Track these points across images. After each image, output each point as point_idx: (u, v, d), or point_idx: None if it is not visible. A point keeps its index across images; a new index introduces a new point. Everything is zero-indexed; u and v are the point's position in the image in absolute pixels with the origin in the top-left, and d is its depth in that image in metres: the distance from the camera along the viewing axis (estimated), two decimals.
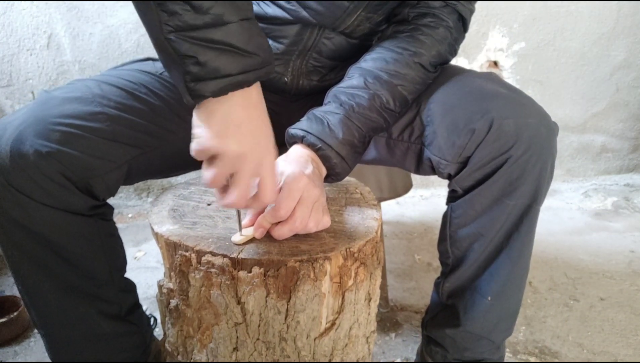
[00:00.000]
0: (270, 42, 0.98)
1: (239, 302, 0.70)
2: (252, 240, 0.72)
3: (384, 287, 1.48)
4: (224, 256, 0.68)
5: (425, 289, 1.63)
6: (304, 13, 0.93)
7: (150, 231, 1.99)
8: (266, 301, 0.69)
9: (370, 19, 0.97)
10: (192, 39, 0.62)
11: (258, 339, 0.73)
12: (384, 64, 0.91)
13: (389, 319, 1.48)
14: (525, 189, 0.87)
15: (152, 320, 1.13)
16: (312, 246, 0.71)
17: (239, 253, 0.68)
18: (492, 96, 0.88)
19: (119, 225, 2.01)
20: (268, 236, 0.73)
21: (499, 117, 0.83)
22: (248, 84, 0.66)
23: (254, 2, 0.97)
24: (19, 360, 1.32)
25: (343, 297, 0.74)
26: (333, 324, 0.75)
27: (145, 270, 1.75)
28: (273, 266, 0.68)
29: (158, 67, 1.02)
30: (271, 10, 0.95)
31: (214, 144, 0.65)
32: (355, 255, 0.73)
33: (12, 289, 1.59)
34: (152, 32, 0.65)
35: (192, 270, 0.70)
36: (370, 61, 0.93)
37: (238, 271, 0.68)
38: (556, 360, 1.31)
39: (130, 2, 0.79)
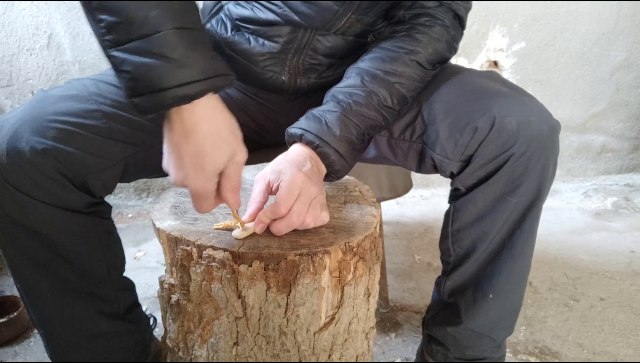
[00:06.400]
0: (266, 42, 0.99)
1: (239, 296, 0.70)
2: (252, 235, 0.73)
3: (384, 287, 1.48)
4: (225, 250, 0.68)
5: (425, 289, 1.63)
6: (295, 17, 0.94)
7: (150, 232, 2.00)
8: (266, 295, 0.69)
9: (361, 20, 0.98)
10: (126, 52, 0.61)
11: (258, 333, 0.73)
12: (380, 62, 0.92)
13: (389, 319, 1.47)
14: (528, 186, 0.87)
15: (151, 319, 1.13)
16: (312, 241, 0.71)
17: (240, 247, 0.68)
18: (493, 94, 0.89)
19: (119, 225, 2.02)
20: (268, 231, 0.74)
21: (501, 115, 0.84)
22: (190, 98, 0.62)
23: (249, 6, 0.97)
24: (19, 360, 1.32)
25: (342, 292, 0.74)
26: (332, 319, 0.75)
27: (145, 270, 1.75)
28: (273, 260, 0.68)
29: None
30: (264, 14, 0.96)
31: (236, 145, 0.68)
32: (354, 249, 0.73)
33: (12, 289, 1.59)
34: (101, 49, 0.63)
35: (193, 264, 0.71)
36: (367, 61, 0.93)
37: (239, 265, 0.68)
38: (556, 360, 1.31)
39: None
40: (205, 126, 0.64)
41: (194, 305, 0.74)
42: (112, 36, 0.61)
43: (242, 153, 0.69)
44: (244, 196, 0.85)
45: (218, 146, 0.65)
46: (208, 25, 1.02)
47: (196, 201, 0.69)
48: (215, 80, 0.64)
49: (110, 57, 0.62)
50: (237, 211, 0.73)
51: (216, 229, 0.75)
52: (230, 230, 0.74)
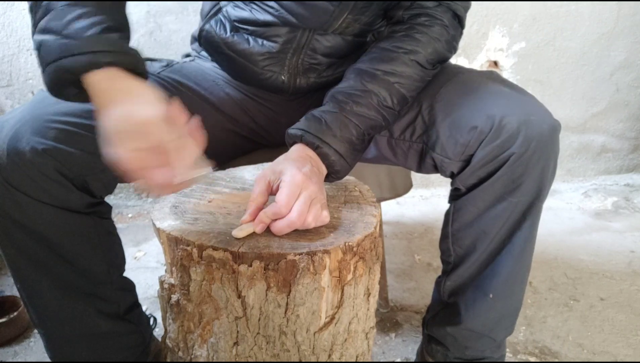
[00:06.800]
0: (265, 42, 0.99)
1: (239, 296, 0.70)
2: (252, 235, 0.73)
3: (384, 287, 1.48)
4: (225, 250, 0.68)
5: (425, 289, 1.63)
6: (291, 18, 0.95)
7: (150, 232, 2.00)
8: (266, 295, 0.69)
9: (359, 20, 0.98)
10: (37, 33, 0.68)
11: (258, 333, 0.73)
12: (380, 63, 0.92)
13: (389, 319, 1.47)
14: (528, 186, 0.87)
15: (151, 320, 1.13)
16: (312, 241, 0.71)
17: (240, 247, 0.68)
18: (494, 94, 0.89)
19: (118, 225, 2.02)
20: (268, 231, 0.73)
21: (501, 115, 0.84)
22: (71, 70, 0.65)
23: (247, 7, 0.98)
24: (19, 360, 1.32)
25: (342, 291, 0.74)
26: (332, 318, 0.75)
27: (145, 270, 1.75)
28: (273, 260, 0.68)
29: (156, 66, 1.03)
30: (262, 16, 0.97)
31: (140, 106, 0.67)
32: (354, 249, 0.73)
33: (12, 289, 1.58)
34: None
35: (193, 264, 0.70)
36: (367, 61, 0.94)
37: (239, 265, 0.68)
38: (556, 360, 1.31)
39: (129, 2, 0.81)
40: (107, 97, 0.67)
41: (194, 305, 0.74)
42: (32, 20, 0.69)
43: (148, 110, 0.65)
44: (243, 196, 0.85)
45: (117, 110, 0.65)
46: (207, 26, 1.02)
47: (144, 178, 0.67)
48: (100, 55, 0.66)
49: (33, 42, 0.68)
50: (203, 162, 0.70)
51: (239, 238, 0.72)
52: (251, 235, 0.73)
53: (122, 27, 0.72)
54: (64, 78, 0.67)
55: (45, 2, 0.67)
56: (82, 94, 0.69)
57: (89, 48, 0.65)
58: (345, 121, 0.86)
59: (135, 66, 0.70)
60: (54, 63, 0.65)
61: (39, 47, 0.67)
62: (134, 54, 0.71)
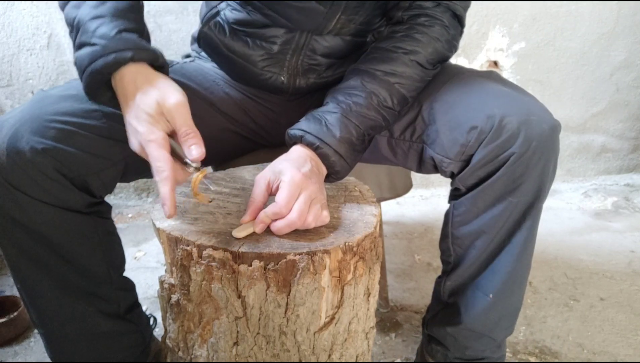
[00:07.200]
0: (264, 43, 0.99)
1: (239, 296, 0.70)
2: (252, 235, 0.73)
3: (384, 287, 1.48)
4: (225, 250, 0.68)
5: (425, 289, 1.63)
6: (284, 21, 0.95)
7: (150, 232, 2.00)
8: (266, 295, 0.69)
9: (353, 20, 0.97)
10: (75, 49, 0.77)
11: (258, 333, 0.73)
12: (380, 63, 0.92)
13: (389, 319, 1.47)
14: (528, 186, 0.87)
15: (151, 319, 1.13)
16: (312, 241, 0.71)
17: (240, 247, 0.68)
18: (494, 93, 0.89)
19: (119, 225, 2.02)
20: (269, 231, 0.73)
21: (502, 115, 0.84)
22: (98, 72, 0.74)
23: (244, 10, 0.98)
24: (19, 360, 1.32)
25: (342, 291, 0.74)
26: (332, 318, 0.75)
27: (145, 270, 1.75)
28: (273, 260, 0.68)
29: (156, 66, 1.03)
30: (258, 18, 0.96)
31: (164, 90, 0.76)
32: (354, 249, 0.73)
33: (12, 289, 1.59)
34: None
35: (193, 264, 0.70)
36: (367, 62, 0.93)
37: (238, 264, 0.68)
38: (556, 360, 1.31)
39: None
40: (133, 86, 0.74)
41: (194, 305, 0.74)
42: (73, 43, 0.78)
43: (174, 96, 0.73)
44: (243, 195, 0.85)
45: (144, 93, 0.73)
46: (206, 29, 1.02)
47: (151, 160, 0.71)
48: (122, 53, 0.73)
49: (74, 59, 0.77)
50: (200, 166, 0.76)
51: (239, 238, 0.73)
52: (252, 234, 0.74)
53: (139, 30, 0.79)
54: (98, 80, 0.75)
55: (76, 23, 0.77)
56: (115, 98, 0.78)
57: (112, 49, 0.73)
58: (345, 121, 0.86)
59: (155, 59, 0.78)
60: (87, 68, 0.74)
61: (76, 62, 0.75)
62: (153, 49, 0.78)
